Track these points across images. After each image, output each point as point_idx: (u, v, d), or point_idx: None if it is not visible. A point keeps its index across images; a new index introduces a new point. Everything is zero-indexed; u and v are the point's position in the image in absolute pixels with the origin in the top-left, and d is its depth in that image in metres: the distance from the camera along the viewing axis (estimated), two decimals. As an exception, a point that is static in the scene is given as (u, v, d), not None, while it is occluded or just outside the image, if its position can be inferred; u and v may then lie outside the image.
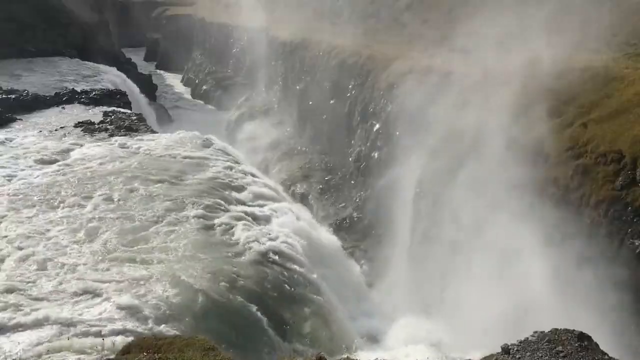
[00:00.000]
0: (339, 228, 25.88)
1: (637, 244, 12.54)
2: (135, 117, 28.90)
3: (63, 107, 30.43)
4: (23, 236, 15.39)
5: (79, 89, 33.54)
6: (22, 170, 20.66)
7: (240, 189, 21.11)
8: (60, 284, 13.23)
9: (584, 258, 13.35)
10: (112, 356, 9.84)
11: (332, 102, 31.48)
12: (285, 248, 17.29)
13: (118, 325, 11.71)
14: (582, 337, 9.16)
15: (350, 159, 28.91)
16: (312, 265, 17.82)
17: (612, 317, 12.41)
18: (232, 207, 19.06)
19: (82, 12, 52.06)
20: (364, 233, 25.05)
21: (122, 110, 30.57)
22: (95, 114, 29.14)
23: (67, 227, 16.14)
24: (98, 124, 26.96)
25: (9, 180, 19.47)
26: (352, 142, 28.69)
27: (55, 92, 32.45)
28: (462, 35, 21.32)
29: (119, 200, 18.32)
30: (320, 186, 29.88)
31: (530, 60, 17.71)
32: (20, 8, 44.79)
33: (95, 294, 12.90)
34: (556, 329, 9.35)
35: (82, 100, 31.59)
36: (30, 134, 25.31)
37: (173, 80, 70.27)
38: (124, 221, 16.77)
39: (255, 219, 18.87)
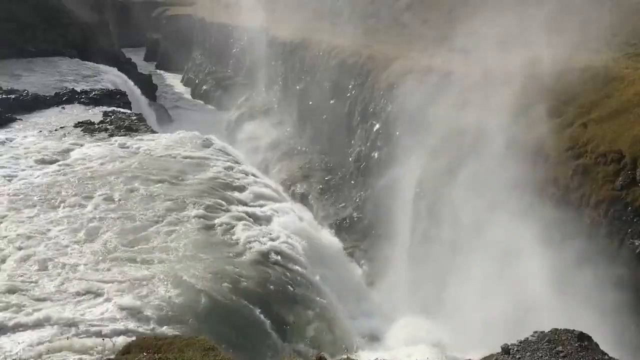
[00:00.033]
0: (339, 228, 25.87)
1: (637, 244, 12.55)
2: (135, 117, 28.91)
3: (63, 107, 30.43)
4: (24, 236, 15.41)
5: (79, 89, 33.52)
6: (23, 170, 20.68)
7: (240, 189, 21.12)
8: (62, 284, 13.24)
9: (584, 258, 13.35)
10: (112, 356, 9.84)
11: (332, 102, 31.46)
12: (286, 248, 17.30)
13: (120, 326, 11.71)
14: (582, 337, 9.17)
15: (350, 159, 28.89)
16: (312, 266, 17.82)
17: (612, 317, 12.39)
18: (232, 207, 19.07)
19: (82, 12, 52.01)
20: (364, 233, 25.04)
21: (122, 110, 30.57)
22: (95, 114, 29.13)
23: (67, 227, 16.15)
24: (98, 124, 26.96)
25: (10, 180, 19.49)
26: (352, 142, 28.67)
27: (55, 92, 32.44)
28: (462, 35, 21.31)
29: (119, 200, 18.34)
30: (320, 186, 29.85)
31: (530, 60, 17.72)
32: (20, 8, 44.79)
33: (96, 294, 12.91)
34: (556, 329, 9.36)
35: (82, 100, 31.59)
36: (30, 134, 25.31)
37: (173, 80, 70.19)
38: (124, 221, 16.78)
39: (256, 219, 18.87)
